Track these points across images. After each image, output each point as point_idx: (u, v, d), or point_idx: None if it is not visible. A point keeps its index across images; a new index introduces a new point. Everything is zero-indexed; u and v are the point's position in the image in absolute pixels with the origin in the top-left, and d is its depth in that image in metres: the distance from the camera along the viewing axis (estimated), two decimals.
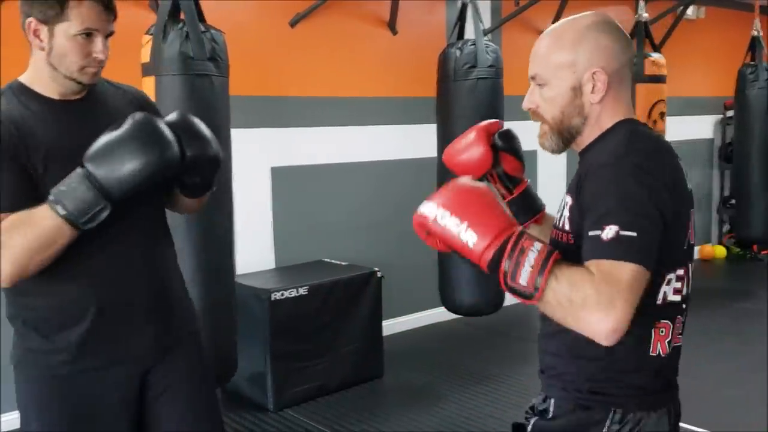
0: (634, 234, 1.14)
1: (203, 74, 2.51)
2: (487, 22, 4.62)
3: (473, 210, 1.18)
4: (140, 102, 1.69)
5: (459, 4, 3.60)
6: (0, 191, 1.41)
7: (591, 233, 1.17)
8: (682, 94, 5.96)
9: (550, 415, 1.36)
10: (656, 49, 4.45)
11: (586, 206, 1.23)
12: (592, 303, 1.10)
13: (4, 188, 1.42)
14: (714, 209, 7.14)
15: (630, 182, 1.19)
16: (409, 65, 4.58)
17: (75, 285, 1.54)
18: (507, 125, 3.66)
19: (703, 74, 6.68)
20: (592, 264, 1.14)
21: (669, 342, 1.30)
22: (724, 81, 6.39)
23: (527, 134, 5.70)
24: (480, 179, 1.63)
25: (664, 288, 1.26)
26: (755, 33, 5.29)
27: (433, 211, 1.21)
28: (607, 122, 1.32)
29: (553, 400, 1.36)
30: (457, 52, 3.43)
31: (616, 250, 1.14)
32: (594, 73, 1.28)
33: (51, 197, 1.38)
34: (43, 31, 1.48)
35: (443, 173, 3.51)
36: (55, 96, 1.54)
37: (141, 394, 1.64)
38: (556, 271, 1.13)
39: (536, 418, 1.39)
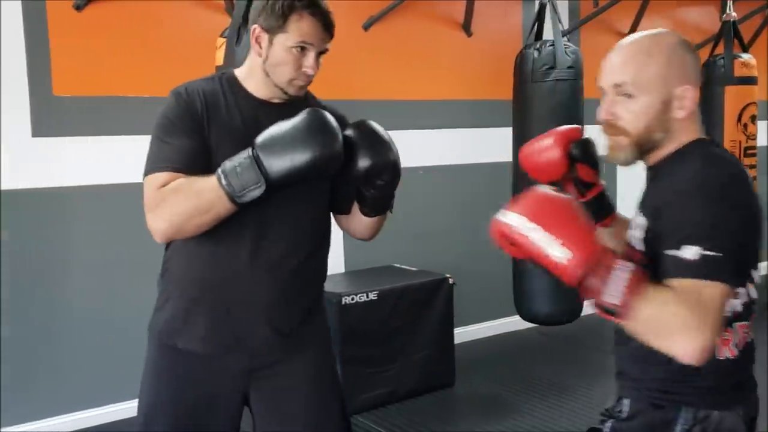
0: (720, 254, 1.17)
1: None
2: (564, 23, 4.50)
3: (561, 225, 1.19)
4: (339, 119, 1.66)
5: (537, 4, 3.50)
6: (177, 152, 1.52)
7: (671, 253, 1.20)
8: None
9: (625, 415, 1.40)
10: (745, 49, 4.24)
11: (667, 230, 1.24)
12: (680, 326, 1.14)
13: (181, 151, 1.52)
14: None
15: (713, 205, 1.21)
16: (484, 67, 4.50)
17: (219, 268, 1.60)
18: (587, 129, 3.56)
19: None
20: (675, 283, 1.18)
21: (736, 344, 1.34)
22: None
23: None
24: (552, 183, 1.64)
25: (733, 302, 1.29)
26: None
27: (518, 222, 1.21)
28: (684, 139, 1.35)
29: (627, 401, 1.41)
30: (535, 53, 3.33)
31: (701, 269, 1.17)
32: (685, 89, 1.31)
33: (219, 170, 1.47)
34: (264, 39, 1.57)
35: (518, 178, 3.42)
36: (260, 96, 1.63)
37: (253, 390, 1.67)
38: (648, 292, 1.16)
39: (612, 420, 1.43)
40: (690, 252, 1.17)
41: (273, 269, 1.62)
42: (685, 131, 1.35)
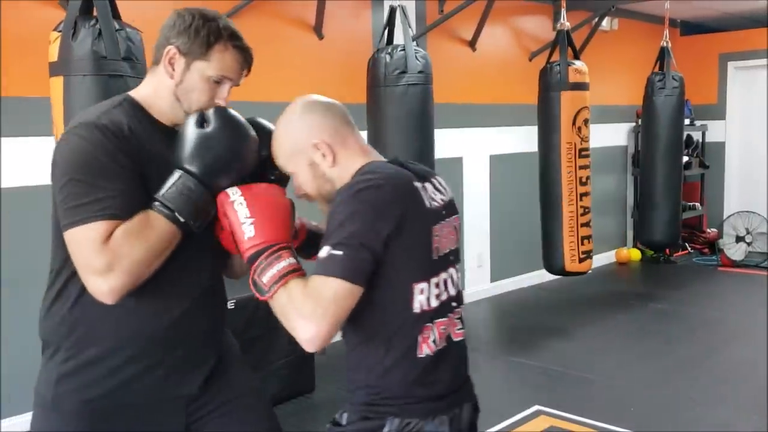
0: (340, 253, 1.33)
1: (117, 75, 2.34)
2: (412, 29, 4.59)
3: (265, 214, 1.41)
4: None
5: (388, 8, 3.55)
6: (115, 196, 1.36)
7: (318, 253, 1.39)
8: (597, 102, 6.14)
9: (343, 424, 1.51)
10: (577, 57, 4.53)
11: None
12: (298, 313, 1.32)
13: (121, 194, 1.36)
14: (628, 214, 7.37)
15: (344, 210, 1.37)
16: (337, 70, 4.49)
17: (140, 312, 1.46)
18: (437, 132, 3.64)
19: (617, 83, 6.91)
20: (311, 278, 1.36)
21: (434, 341, 1.45)
22: (636, 90, 6.61)
23: (454, 142, 5.69)
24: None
25: (418, 298, 1.42)
26: (664, 44, 5.49)
27: (236, 196, 1.42)
28: (350, 173, 1.47)
29: (345, 414, 1.52)
30: (387, 58, 3.37)
31: (325, 266, 1.34)
32: (316, 144, 1.48)
33: (162, 206, 1.38)
34: (180, 62, 1.47)
35: None
36: (164, 122, 1.51)
37: (193, 423, 1.59)
38: (290, 282, 1.35)
39: (330, 425, 1.53)
40: (324, 251, 1.35)
41: (206, 299, 1.56)
42: (347, 168, 1.48)
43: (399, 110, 3.38)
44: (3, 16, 3.21)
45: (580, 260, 4.59)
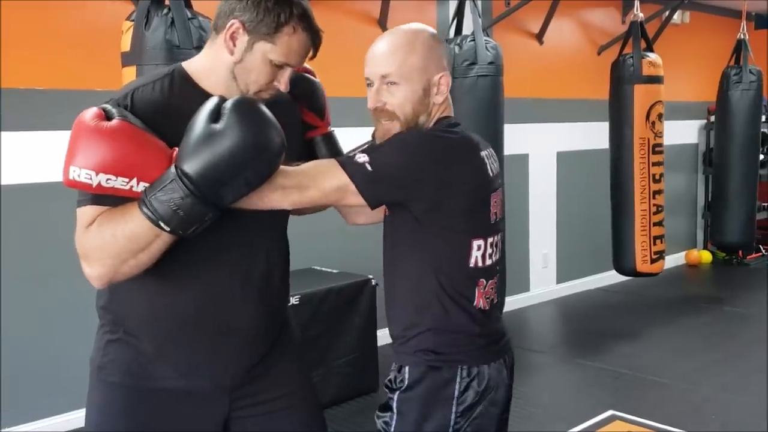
0: (371, 170, 1.37)
1: None
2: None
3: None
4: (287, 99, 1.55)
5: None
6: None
7: (355, 150, 1.47)
8: (667, 98, 5.91)
9: (407, 383, 1.48)
10: (651, 49, 4.36)
11: None
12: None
13: None
14: (699, 214, 7.09)
15: (407, 144, 1.43)
16: None
17: (178, 293, 1.42)
18: (506, 128, 3.52)
19: (687, 79, 6.64)
20: (328, 160, 1.44)
21: (485, 298, 1.51)
22: (707, 86, 6.34)
23: (519, 137, 5.54)
24: None
25: (474, 253, 1.47)
26: (741, 36, 5.25)
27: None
28: (436, 120, 1.51)
29: (407, 368, 1.49)
30: (456, 48, 3.28)
31: (349, 166, 1.38)
32: (441, 76, 1.48)
33: (148, 209, 1.24)
34: (242, 39, 1.35)
35: None
36: (216, 93, 1.38)
37: (234, 419, 1.53)
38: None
39: (397, 392, 1.50)
40: (361, 156, 1.39)
41: (261, 287, 1.48)
42: (441, 113, 1.51)
43: (468, 103, 3.28)
44: (69, 7, 3.25)
45: (652, 261, 4.41)
